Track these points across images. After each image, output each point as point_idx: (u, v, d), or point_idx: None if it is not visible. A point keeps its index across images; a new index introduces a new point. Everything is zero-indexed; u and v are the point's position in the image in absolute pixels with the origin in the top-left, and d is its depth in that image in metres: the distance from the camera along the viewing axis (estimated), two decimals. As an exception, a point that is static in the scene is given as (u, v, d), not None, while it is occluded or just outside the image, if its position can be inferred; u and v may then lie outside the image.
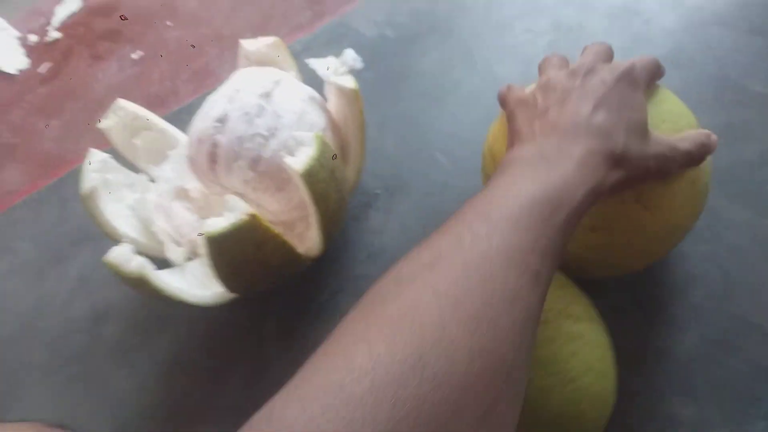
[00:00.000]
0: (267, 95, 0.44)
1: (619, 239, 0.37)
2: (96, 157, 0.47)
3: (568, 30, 0.60)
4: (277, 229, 0.41)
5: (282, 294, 0.51)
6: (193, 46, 0.70)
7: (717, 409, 0.40)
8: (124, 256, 0.40)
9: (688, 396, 0.40)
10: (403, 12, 0.65)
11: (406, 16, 0.65)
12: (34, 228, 0.61)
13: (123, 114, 0.51)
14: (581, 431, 0.32)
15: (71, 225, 0.61)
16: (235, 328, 0.51)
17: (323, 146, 0.41)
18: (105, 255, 0.41)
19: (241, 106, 0.44)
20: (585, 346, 0.33)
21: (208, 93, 0.64)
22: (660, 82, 0.39)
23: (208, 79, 0.68)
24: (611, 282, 0.40)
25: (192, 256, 0.50)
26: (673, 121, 0.36)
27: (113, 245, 0.57)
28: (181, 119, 0.56)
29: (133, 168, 0.53)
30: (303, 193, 0.41)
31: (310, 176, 0.40)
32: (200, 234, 0.39)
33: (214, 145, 0.44)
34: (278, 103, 0.44)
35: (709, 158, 0.37)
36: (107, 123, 0.51)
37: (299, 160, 0.40)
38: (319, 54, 0.48)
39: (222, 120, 0.44)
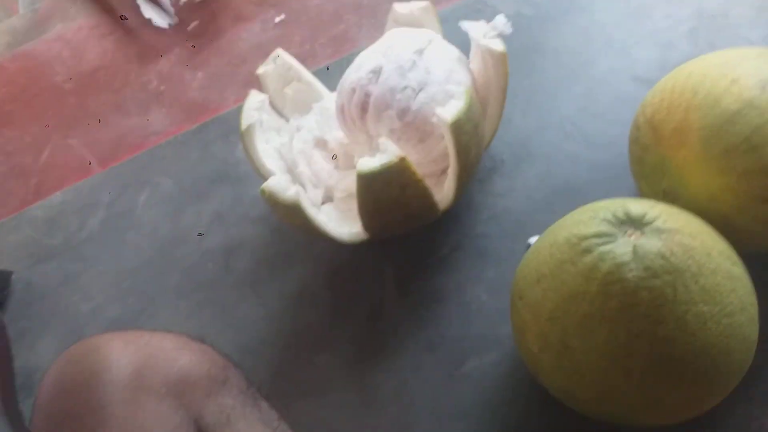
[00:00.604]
0: (420, 52, 0.48)
1: None
2: (257, 97, 0.52)
3: (711, 18, 0.60)
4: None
5: (405, 244, 0.55)
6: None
7: None
8: (282, 185, 0.45)
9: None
10: (540, -10, 0.67)
11: (543, -6, 0.67)
12: (175, 166, 0.68)
13: (280, 62, 0.56)
14: (727, 368, 0.33)
15: (210, 166, 0.66)
16: (358, 270, 0.55)
17: (471, 101, 0.44)
18: (264, 183, 0.45)
19: (395, 59, 0.47)
20: (741, 288, 0.34)
21: (346, 57, 0.69)
22: None
23: (345, 45, 0.72)
24: (742, 259, 0.40)
25: (327, 200, 0.55)
26: None
27: (249, 186, 0.63)
28: (319, 78, 0.60)
29: (280, 115, 0.57)
30: (448, 143, 0.44)
31: (457, 127, 0.43)
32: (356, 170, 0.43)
33: (367, 94, 0.47)
34: (429, 59, 0.48)
35: None
36: (265, 69, 0.56)
37: (449, 111, 0.43)
38: (457, 27, 0.51)
39: (376, 71, 0.48)
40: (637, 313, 0.32)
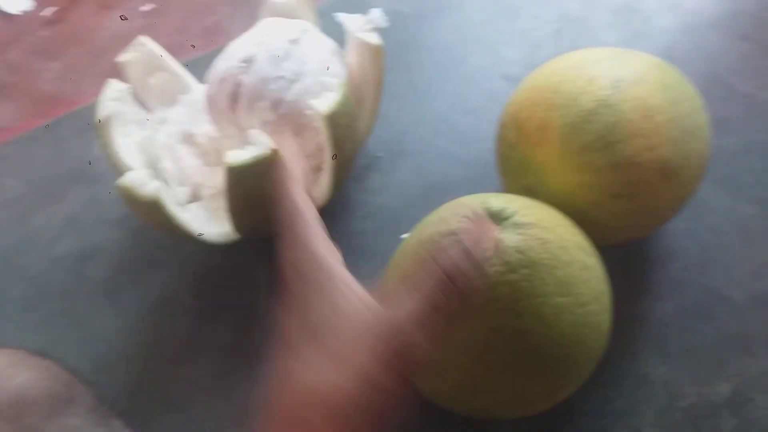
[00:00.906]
0: (295, 41, 0.46)
1: (638, 206, 0.39)
2: (116, 86, 0.48)
3: (573, 20, 0.63)
4: (293, 169, 0.42)
5: (277, 244, 0.52)
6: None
7: (686, 371, 0.43)
8: (140, 179, 0.41)
9: (661, 357, 0.43)
10: (416, -12, 0.68)
11: (419, -8, 0.68)
12: (25, 165, 0.61)
13: (144, 50, 0.52)
14: (582, 357, 0.35)
15: (64, 165, 0.60)
16: (228, 273, 0.52)
17: (347, 94, 0.43)
18: (120, 178, 0.42)
19: (268, 48, 0.45)
20: (595, 278, 0.35)
21: (218, 49, 0.66)
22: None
23: (218, 36, 0.68)
24: (598, 251, 0.42)
25: (194, 198, 0.51)
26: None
27: (108, 186, 0.58)
28: (187, 69, 0.57)
29: (143, 107, 0.53)
30: (322, 136, 0.43)
31: (332, 119, 0.42)
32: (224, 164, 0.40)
33: (238, 84, 0.45)
34: (304, 50, 0.46)
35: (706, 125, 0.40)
36: (127, 57, 0.51)
37: (324, 103, 0.42)
38: (333, 21, 0.50)
39: (248, 60, 0.45)
40: (496, 309, 0.33)
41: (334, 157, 0.44)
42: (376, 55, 0.48)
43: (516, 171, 0.44)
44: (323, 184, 0.46)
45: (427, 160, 0.56)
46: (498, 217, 0.35)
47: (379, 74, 0.49)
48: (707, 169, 0.42)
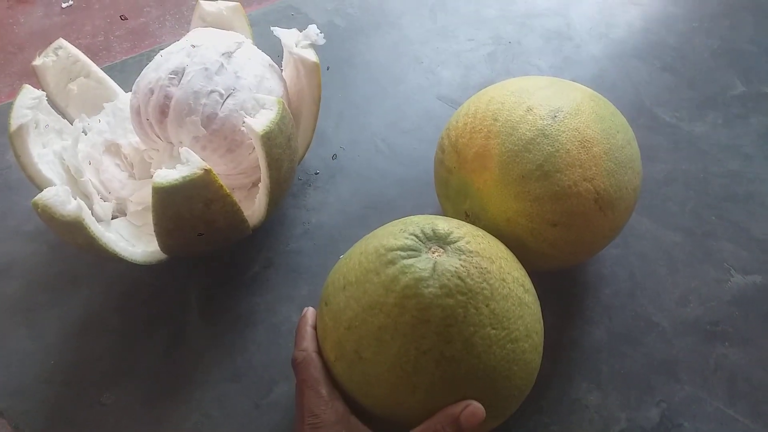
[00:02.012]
0: (228, 55, 0.44)
1: (575, 235, 0.40)
2: (30, 93, 0.44)
3: (507, 44, 0.64)
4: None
5: (211, 262, 0.50)
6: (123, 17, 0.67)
7: (618, 395, 0.44)
8: (60, 197, 0.38)
9: (594, 382, 0.44)
10: (353, 4, 0.67)
11: (356, 8, 0.67)
12: (-74, 173, 0.56)
13: (63, 55, 0.48)
14: (506, 392, 0.34)
15: (-27, 172, 0.56)
16: (156, 292, 0.49)
17: (284, 111, 0.42)
18: (37, 196, 0.39)
19: (200, 60, 0.43)
20: (530, 316, 0.35)
21: (145, 53, 0.63)
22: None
23: (145, 40, 0.65)
24: (533, 276, 0.43)
25: (118, 213, 0.48)
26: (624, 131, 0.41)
27: (22, 196, 0.54)
28: (112, 76, 0.54)
29: (62, 115, 0.50)
30: (259, 156, 0.41)
31: (268, 139, 0.40)
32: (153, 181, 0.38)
33: (167, 97, 0.43)
34: (239, 64, 0.44)
35: (638, 167, 0.41)
36: (44, 61, 0.48)
37: (260, 122, 0.40)
38: (267, 32, 0.48)
39: (178, 72, 0.43)
40: (428, 330, 0.32)
41: (271, 176, 0.42)
42: (313, 72, 0.47)
43: (456, 195, 0.43)
44: (260, 204, 0.44)
45: (365, 178, 0.55)
46: (443, 240, 0.35)
47: (317, 91, 0.48)
48: (638, 199, 0.44)
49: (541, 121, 0.40)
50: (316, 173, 0.55)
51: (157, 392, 0.44)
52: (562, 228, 0.39)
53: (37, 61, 0.48)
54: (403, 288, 0.33)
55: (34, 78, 0.49)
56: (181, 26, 0.56)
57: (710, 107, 0.59)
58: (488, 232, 0.39)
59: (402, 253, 0.34)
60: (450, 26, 0.66)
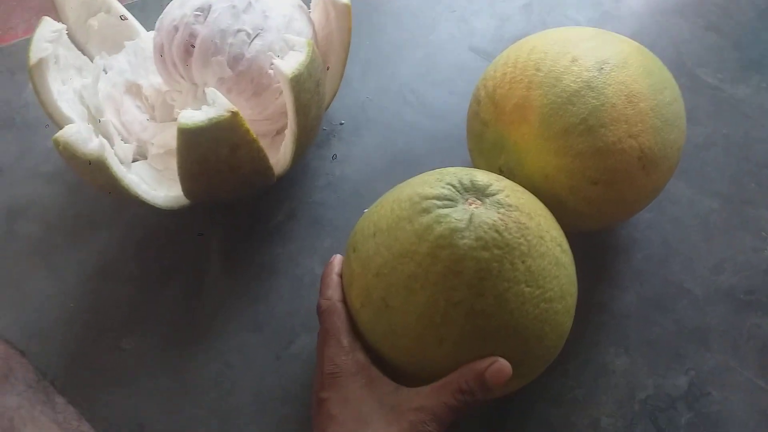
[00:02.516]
0: (257, -8, 0.42)
1: (615, 194, 0.38)
2: (50, 26, 0.42)
3: (544, -4, 0.61)
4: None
5: (232, 210, 0.49)
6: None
7: (645, 362, 0.43)
8: (81, 135, 0.37)
9: (621, 347, 0.43)
10: (382, -52, 0.64)
11: (385, -48, 0.64)
12: (-58, 107, 0.55)
13: (84, -13, 0.47)
14: (536, 352, 0.33)
15: (-10, 109, 0.55)
16: (176, 238, 0.48)
17: (314, 54, 0.40)
18: (58, 132, 0.37)
19: (228, -2, 0.41)
20: (565, 277, 0.34)
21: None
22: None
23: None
24: (566, 237, 0.42)
25: (139, 156, 0.47)
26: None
27: (41, 136, 0.52)
28: (133, 15, 0.52)
29: (82, 51, 0.48)
30: (287, 100, 0.39)
31: (297, 83, 0.38)
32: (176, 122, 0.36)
33: (192, 35, 0.41)
34: (267, 3, 0.42)
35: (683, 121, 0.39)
36: (65, -7, 0.46)
37: (289, 64, 0.38)
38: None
39: (204, 9, 0.41)
40: (459, 282, 0.31)
41: (299, 123, 0.40)
42: (343, 14, 0.45)
43: (490, 150, 0.42)
44: (285, 152, 0.43)
45: (392, 131, 0.53)
46: (482, 192, 0.33)
47: (347, 36, 0.46)
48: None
49: (586, 73, 0.38)
50: (341, 123, 0.54)
51: (177, 340, 0.44)
52: (603, 186, 0.38)
53: (57, -6, 0.46)
54: (437, 238, 0.31)
55: (53, 12, 0.47)
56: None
57: (755, 69, 0.57)
58: (526, 187, 0.37)
59: (438, 202, 0.33)
60: (485, -26, 0.63)
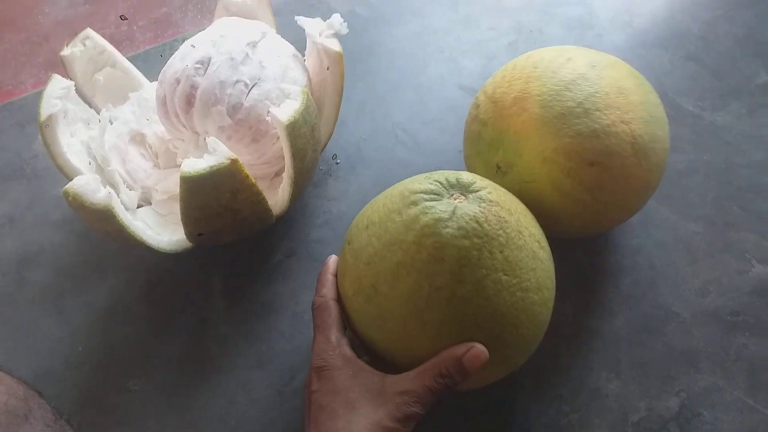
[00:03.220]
0: (253, 45, 0.45)
1: (610, 180, 0.40)
2: (59, 83, 0.45)
3: (529, 33, 0.64)
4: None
5: (233, 251, 0.51)
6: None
7: (637, 385, 0.44)
8: (90, 186, 0.39)
9: (614, 372, 0.44)
10: (374, -8, 0.67)
11: (376, -4, 0.67)
12: (-45, 160, 0.57)
13: (90, 45, 0.49)
14: (512, 340, 0.35)
15: (2, 160, 0.57)
16: (180, 280, 0.50)
17: (308, 101, 0.42)
18: (68, 184, 0.39)
19: (226, 50, 0.43)
20: (542, 271, 0.36)
21: (167, 43, 0.64)
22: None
23: (168, 29, 0.66)
24: (556, 249, 0.43)
25: (143, 202, 0.49)
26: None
27: (49, 185, 0.55)
28: (135, 66, 0.54)
29: (89, 105, 0.51)
30: (284, 146, 0.41)
31: (293, 129, 0.41)
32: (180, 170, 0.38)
33: (193, 86, 0.43)
34: (263, 54, 0.45)
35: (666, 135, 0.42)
36: (72, 51, 0.48)
37: (285, 112, 0.41)
38: (289, 21, 0.49)
39: (204, 62, 0.43)
40: (442, 269, 0.34)
41: (295, 166, 0.43)
42: (336, 62, 0.48)
43: (488, 148, 0.44)
44: (283, 194, 0.45)
45: (386, 168, 0.55)
46: (466, 189, 0.36)
47: (340, 81, 0.48)
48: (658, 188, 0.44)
49: (581, 68, 0.41)
50: (337, 163, 0.56)
51: (182, 379, 0.45)
52: (599, 169, 0.40)
53: (65, 52, 0.49)
54: (423, 227, 0.34)
55: (60, 68, 0.49)
56: (204, 16, 0.56)
57: (734, 97, 0.59)
58: (522, 178, 0.41)
59: (425, 196, 0.36)
60: (472, 15, 0.66)
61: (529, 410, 0.38)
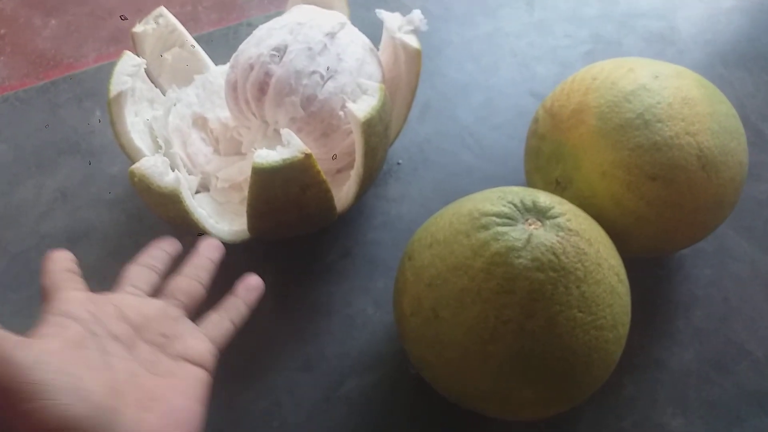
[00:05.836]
0: (332, 35, 0.43)
1: (675, 195, 0.38)
2: (131, 60, 0.44)
3: (606, 44, 0.61)
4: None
5: (288, 247, 0.49)
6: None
7: (703, 424, 0.42)
8: (159, 168, 0.38)
9: (679, 408, 0.42)
10: (447, -10, 0.65)
11: (450, -6, 0.65)
12: (14, 129, 0.56)
13: (163, 23, 0.48)
14: (582, 379, 0.33)
15: (57, 134, 0.56)
16: (230, 273, 0.48)
17: (385, 99, 0.40)
18: (135, 164, 0.38)
19: (304, 39, 0.42)
20: (619, 306, 0.34)
21: (232, 26, 0.62)
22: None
23: (233, 13, 0.64)
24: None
25: (201, 189, 0.48)
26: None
27: (104, 163, 0.54)
28: (200, 46, 0.53)
29: (155, 83, 0.49)
30: (357, 144, 0.40)
31: (368, 127, 0.39)
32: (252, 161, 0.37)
33: (267, 74, 0.42)
34: (341, 45, 0.43)
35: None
36: (145, 28, 0.47)
37: (362, 108, 0.39)
38: (361, 14, 0.47)
39: (280, 50, 0.42)
40: (511, 301, 0.31)
41: (366, 165, 0.41)
42: (414, 59, 0.46)
43: (547, 163, 0.42)
44: (348, 192, 0.43)
45: (449, 172, 0.53)
46: (543, 214, 0.34)
47: (415, 80, 0.47)
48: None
49: (642, 79, 0.39)
50: (399, 163, 0.54)
51: (227, 375, 0.44)
52: (662, 183, 0.37)
53: (138, 28, 0.47)
54: (493, 255, 0.32)
55: (122, 44, 0.48)
56: (271, 2, 0.55)
57: (820, 126, 0.56)
58: (582, 193, 0.39)
59: (497, 219, 0.33)
60: (547, 21, 0.63)
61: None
